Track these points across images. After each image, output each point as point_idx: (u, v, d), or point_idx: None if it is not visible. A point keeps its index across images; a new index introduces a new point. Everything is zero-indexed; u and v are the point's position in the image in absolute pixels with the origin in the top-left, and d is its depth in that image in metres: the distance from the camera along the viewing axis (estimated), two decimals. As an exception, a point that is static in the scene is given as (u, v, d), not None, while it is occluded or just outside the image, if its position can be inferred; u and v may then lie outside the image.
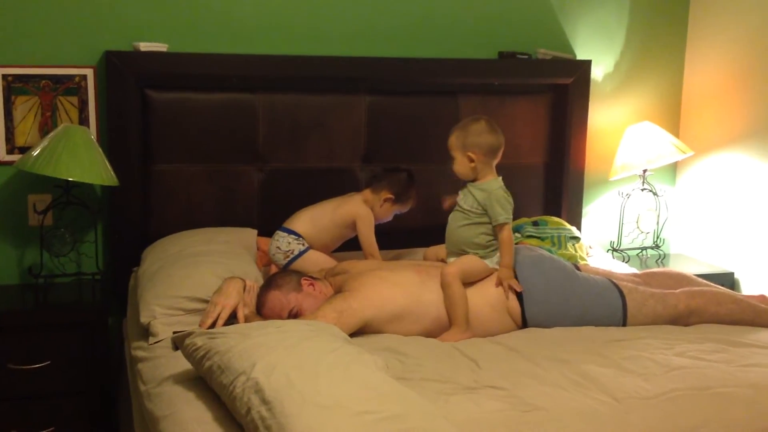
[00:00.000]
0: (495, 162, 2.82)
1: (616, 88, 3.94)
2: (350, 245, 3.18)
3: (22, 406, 2.95)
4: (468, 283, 2.71)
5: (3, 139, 3.16)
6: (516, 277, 2.75)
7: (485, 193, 2.76)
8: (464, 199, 2.81)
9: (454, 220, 2.82)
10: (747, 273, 3.75)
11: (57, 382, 2.97)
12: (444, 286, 2.68)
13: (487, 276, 2.77)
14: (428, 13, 3.61)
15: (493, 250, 2.77)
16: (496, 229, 2.75)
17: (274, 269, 3.07)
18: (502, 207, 2.73)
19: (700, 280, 3.02)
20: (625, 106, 3.96)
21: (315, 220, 3.10)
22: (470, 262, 2.74)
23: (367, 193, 3.15)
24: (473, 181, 2.80)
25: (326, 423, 1.73)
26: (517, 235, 3.42)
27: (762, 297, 2.99)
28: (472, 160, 2.77)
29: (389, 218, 3.18)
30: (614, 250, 3.94)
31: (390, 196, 3.12)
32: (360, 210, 3.11)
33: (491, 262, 2.77)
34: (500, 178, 2.80)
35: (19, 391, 2.94)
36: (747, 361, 2.40)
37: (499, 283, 2.73)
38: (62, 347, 2.96)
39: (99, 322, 3.01)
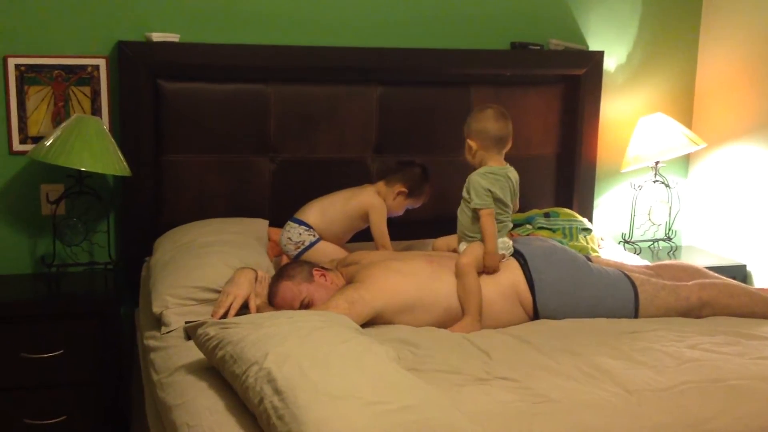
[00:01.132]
0: (501, 150, 2.81)
1: (629, 79, 3.93)
2: (362, 236, 3.18)
3: (35, 395, 2.96)
4: (480, 272, 2.71)
5: (16, 128, 3.17)
6: (528, 268, 2.74)
7: (470, 177, 2.77)
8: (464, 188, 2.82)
9: (460, 207, 2.83)
10: (759, 265, 3.74)
11: (69, 372, 2.98)
12: (459, 276, 2.68)
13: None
14: (440, 3, 3.59)
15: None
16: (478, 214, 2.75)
17: (285, 260, 3.08)
18: (476, 193, 2.72)
19: (712, 273, 3.00)
20: (637, 98, 3.94)
21: (326, 212, 3.10)
22: (481, 249, 2.74)
23: (380, 185, 3.15)
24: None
25: (338, 413, 1.74)
26: (528, 226, 3.42)
27: (774, 289, 2.98)
28: (472, 147, 2.78)
29: (400, 213, 3.18)
30: (626, 242, 3.93)
31: (404, 189, 3.11)
32: (373, 200, 3.11)
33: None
34: (497, 167, 2.78)
35: (31, 380, 2.95)
36: (760, 354, 2.39)
37: (482, 271, 2.72)
38: (75, 337, 2.96)
39: (111, 312, 3.02)
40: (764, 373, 2.27)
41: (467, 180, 2.79)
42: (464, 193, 2.80)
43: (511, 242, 2.84)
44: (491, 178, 2.75)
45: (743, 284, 2.93)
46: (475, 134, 2.78)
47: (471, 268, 2.67)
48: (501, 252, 2.78)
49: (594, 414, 2.03)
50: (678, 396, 2.13)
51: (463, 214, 2.81)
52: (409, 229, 3.35)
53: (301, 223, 3.08)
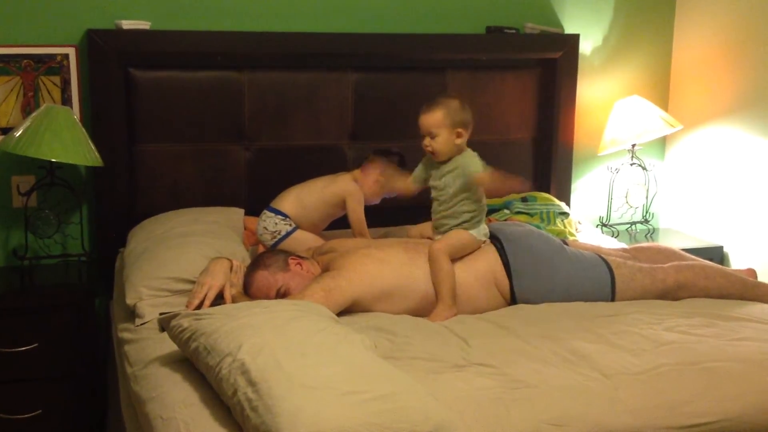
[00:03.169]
0: None
1: (605, 62, 3.92)
2: (339, 224, 3.16)
3: (9, 389, 2.93)
4: (456, 258, 2.70)
5: (-15, 120, 3.13)
6: (504, 253, 2.74)
7: (455, 163, 2.73)
8: (438, 179, 2.78)
9: (435, 198, 2.80)
10: (736, 247, 3.75)
11: (44, 365, 2.94)
12: (431, 261, 2.67)
13: (476, 250, 2.76)
14: (415, -13, 3.57)
15: (477, 221, 2.75)
16: (475, 179, 2.72)
17: (261, 249, 3.05)
18: (474, 167, 2.70)
19: (688, 255, 3.01)
20: (613, 80, 3.94)
21: (302, 200, 3.08)
22: (458, 236, 2.73)
23: (357, 173, 3.13)
24: (446, 160, 2.77)
25: (313, 404, 1.72)
26: (505, 211, 3.41)
27: (750, 271, 2.99)
28: (460, 136, 2.75)
29: (377, 201, 3.16)
30: (603, 225, 3.93)
31: (380, 178, 3.09)
32: (350, 187, 3.09)
33: (478, 233, 2.76)
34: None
35: (5, 375, 2.91)
36: (736, 336, 2.40)
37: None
38: (49, 330, 2.93)
39: (86, 304, 2.99)
40: (740, 354, 2.28)
41: (454, 168, 2.73)
42: (438, 183, 2.75)
43: (487, 228, 2.83)
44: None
45: (719, 266, 2.94)
46: (464, 123, 2.76)
47: (443, 254, 2.66)
48: (480, 238, 2.77)
49: (571, 398, 2.03)
50: (655, 379, 2.14)
51: (441, 204, 2.77)
52: (386, 216, 3.33)
53: (277, 212, 3.05)
